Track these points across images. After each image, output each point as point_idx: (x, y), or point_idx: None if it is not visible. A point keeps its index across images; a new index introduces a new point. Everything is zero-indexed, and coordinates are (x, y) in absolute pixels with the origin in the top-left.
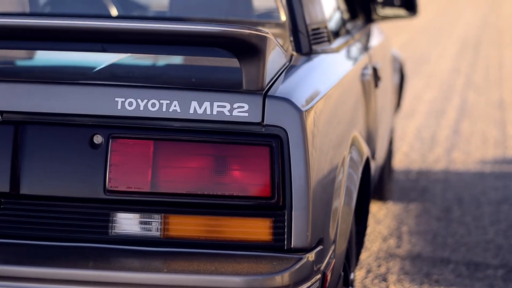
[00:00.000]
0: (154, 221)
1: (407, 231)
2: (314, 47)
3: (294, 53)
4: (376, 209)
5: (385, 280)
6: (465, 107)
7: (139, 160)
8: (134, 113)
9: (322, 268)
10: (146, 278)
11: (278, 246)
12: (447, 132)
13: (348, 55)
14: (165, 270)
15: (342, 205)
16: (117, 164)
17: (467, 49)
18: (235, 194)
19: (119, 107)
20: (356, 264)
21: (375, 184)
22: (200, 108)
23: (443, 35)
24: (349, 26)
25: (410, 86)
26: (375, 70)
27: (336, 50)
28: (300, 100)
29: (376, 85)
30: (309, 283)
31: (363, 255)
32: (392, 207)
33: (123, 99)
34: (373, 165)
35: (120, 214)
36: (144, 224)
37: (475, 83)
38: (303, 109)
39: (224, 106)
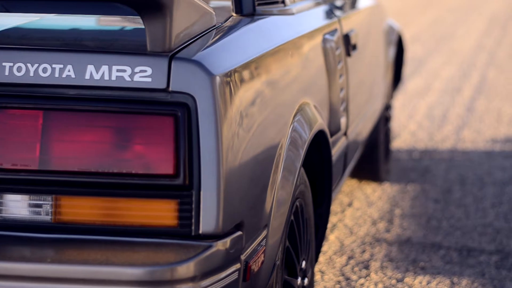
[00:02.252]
0: (44, 203)
1: (399, 214)
2: (261, 8)
3: (234, 14)
4: (370, 190)
5: (366, 267)
6: (483, 84)
7: (27, 134)
8: (23, 80)
9: (243, 257)
10: (23, 269)
11: (184, 232)
12: (460, 110)
13: (307, 19)
14: (48, 260)
15: (278, 184)
16: (2, 138)
17: (495, 26)
18: (134, 172)
19: (6, 73)
20: (318, 252)
21: (347, 163)
22: (97, 73)
23: (472, 13)
24: None
25: (429, 63)
26: (347, 37)
27: (291, 13)
28: (215, 63)
29: (348, 54)
30: (223, 274)
31: (347, 240)
32: (388, 189)
33: (11, 64)
34: (344, 141)
35: (5, 195)
36: (33, 207)
37: (497, 60)
38: (216, 73)
39: (124, 71)
